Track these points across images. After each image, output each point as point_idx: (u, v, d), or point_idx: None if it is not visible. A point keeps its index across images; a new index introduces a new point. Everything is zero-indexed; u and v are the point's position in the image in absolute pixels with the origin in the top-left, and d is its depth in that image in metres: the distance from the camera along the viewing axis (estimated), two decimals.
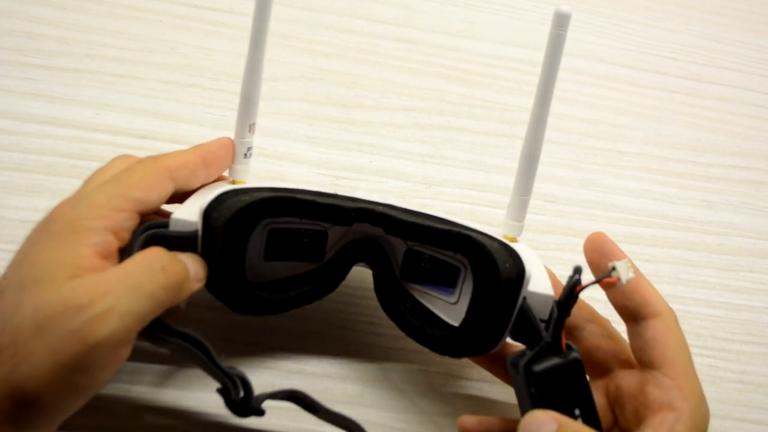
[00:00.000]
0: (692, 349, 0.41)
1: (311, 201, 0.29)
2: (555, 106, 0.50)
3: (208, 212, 0.28)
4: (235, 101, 0.44)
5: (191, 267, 0.27)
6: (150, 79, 0.44)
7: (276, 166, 0.42)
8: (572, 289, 0.27)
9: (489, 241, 0.29)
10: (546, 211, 0.44)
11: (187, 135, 0.42)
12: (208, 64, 0.45)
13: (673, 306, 0.43)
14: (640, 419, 0.28)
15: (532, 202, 0.45)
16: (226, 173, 0.33)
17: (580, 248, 0.44)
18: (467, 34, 0.52)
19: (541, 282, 0.30)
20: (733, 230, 0.47)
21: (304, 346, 0.36)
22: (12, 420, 0.22)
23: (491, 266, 0.28)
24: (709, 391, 0.40)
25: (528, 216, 0.44)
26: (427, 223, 0.30)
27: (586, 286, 0.28)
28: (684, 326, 0.42)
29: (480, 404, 0.36)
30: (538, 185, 0.46)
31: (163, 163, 0.28)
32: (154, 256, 0.25)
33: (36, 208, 0.37)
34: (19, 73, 0.42)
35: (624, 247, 0.44)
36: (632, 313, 0.30)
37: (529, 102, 0.51)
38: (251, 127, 0.32)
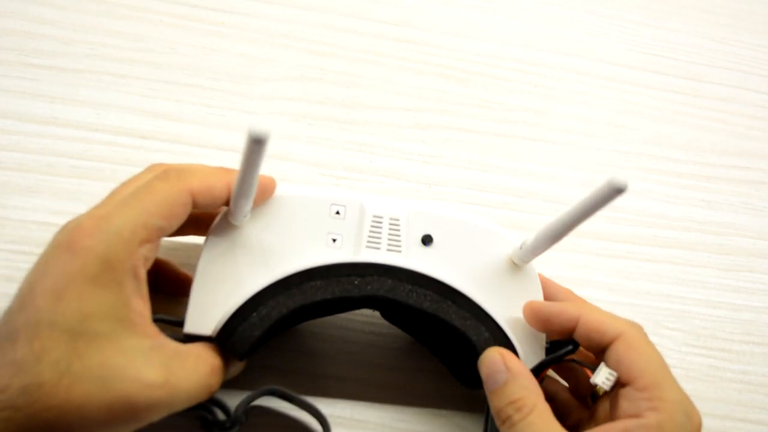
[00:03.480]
0: (692, 349, 0.41)
1: (321, 301, 0.29)
2: (555, 106, 0.50)
3: (222, 342, 0.28)
4: (235, 101, 0.44)
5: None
6: (150, 79, 0.44)
7: (276, 166, 0.42)
8: (541, 368, 0.31)
9: (480, 338, 0.30)
10: (546, 212, 0.44)
11: (187, 135, 0.42)
12: (208, 64, 0.45)
13: (673, 306, 0.43)
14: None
15: (532, 202, 0.45)
16: None
17: (580, 248, 0.44)
18: (467, 34, 0.52)
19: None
20: (733, 230, 0.47)
21: (304, 344, 0.36)
22: None
23: (475, 357, 0.30)
24: (709, 391, 0.40)
25: (528, 216, 0.44)
26: (427, 307, 0.30)
27: (543, 373, 0.31)
28: (684, 326, 0.42)
29: (478, 401, 0.36)
30: (539, 185, 0.46)
31: (188, 184, 0.27)
32: (212, 371, 0.27)
33: (36, 208, 0.37)
34: (19, 73, 0.42)
35: (624, 247, 0.44)
36: (596, 347, 0.30)
37: (529, 102, 0.51)
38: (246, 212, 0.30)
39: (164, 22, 0.46)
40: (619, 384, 0.29)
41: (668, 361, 0.40)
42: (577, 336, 0.30)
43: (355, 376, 0.35)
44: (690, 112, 0.52)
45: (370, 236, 0.30)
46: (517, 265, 0.32)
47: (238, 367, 0.30)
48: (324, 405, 0.34)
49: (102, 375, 0.23)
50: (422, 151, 0.45)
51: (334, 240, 0.30)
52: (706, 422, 0.38)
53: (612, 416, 0.28)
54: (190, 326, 0.28)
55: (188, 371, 0.26)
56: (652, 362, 0.28)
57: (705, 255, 0.45)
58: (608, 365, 0.29)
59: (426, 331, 0.34)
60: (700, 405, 0.39)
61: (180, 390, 0.25)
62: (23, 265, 0.36)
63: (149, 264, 0.26)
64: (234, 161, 0.41)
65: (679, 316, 0.42)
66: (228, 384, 0.30)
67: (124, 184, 0.28)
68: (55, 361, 0.23)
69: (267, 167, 0.41)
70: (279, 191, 0.31)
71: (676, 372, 0.40)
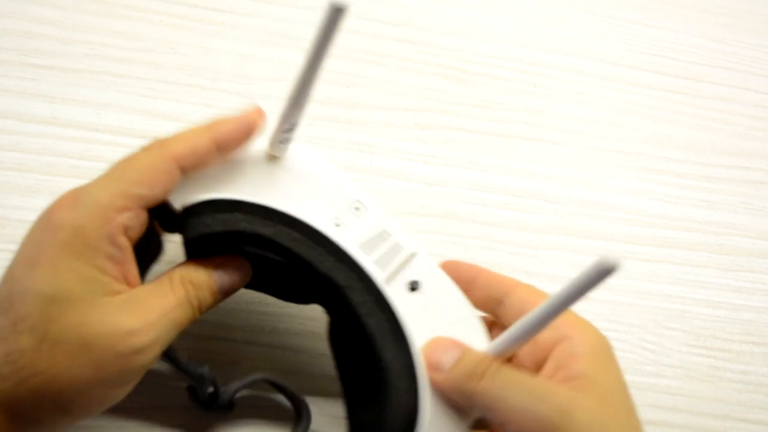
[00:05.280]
0: (692, 349, 0.41)
1: (286, 249, 0.28)
2: (555, 106, 0.50)
3: (182, 219, 0.28)
4: (235, 101, 0.44)
5: (219, 280, 0.28)
6: (150, 79, 0.44)
7: None
8: None
9: (398, 398, 0.27)
10: (546, 211, 0.44)
11: None
12: (208, 64, 0.45)
13: (673, 306, 0.43)
14: (539, 366, 0.28)
15: (532, 202, 0.45)
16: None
17: (580, 248, 0.44)
18: (467, 34, 0.52)
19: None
20: (733, 230, 0.47)
21: (302, 344, 0.36)
22: (33, 420, 0.24)
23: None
24: (709, 391, 0.40)
25: (528, 216, 0.44)
26: (370, 324, 0.28)
27: None
28: (684, 326, 0.42)
29: None
30: (538, 185, 0.46)
31: (169, 150, 0.26)
32: (193, 289, 0.27)
33: (36, 208, 0.37)
34: (19, 73, 0.42)
35: (624, 247, 0.44)
36: (495, 300, 0.30)
37: (529, 102, 0.51)
38: (284, 126, 0.29)
39: (164, 22, 0.46)
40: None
41: (668, 360, 0.40)
42: (476, 288, 0.30)
43: None
44: (690, 112, 0.52)
45: (368, 242, 0.30)
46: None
47: (207, 301, 0.28)
48: (325, 404, 0.34)
49: (80, 334, 0.23)
50: (422, 151, 0.45)
51: (337, 225, 0.30)
52: (707, 422, 0.39)
53: (536, 351, 0.28)
54: (172, 197, 0.28)
55: (159, 310, 0.26)
56: (579, 319, 0.29)
57: (705, 255, 0.45)
58: (508, 313, 0.29)
59: (351, 355, 0.32)
60: (700, 405, 0.39)
61: (158, 329, 0.25)
62: None
63: (134, 232, 0.26)
64: None
65: (679, 316, 0.42)
66: (228, 378, 0.30)
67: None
68: (31, 328, 0.23)
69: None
70: (319, 159, 0.31)
71: (676, 372, 0.40)
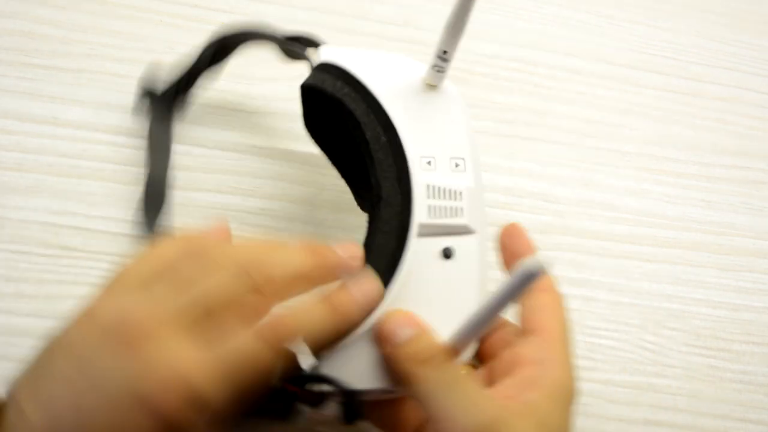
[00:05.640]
0: (692, 349, 0.41)
1: (364, 143, 0.30)
2: (555, 106, 0.50)
3: (318, 67, 0.33)
4: (235, 100, 0.44)
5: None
6: None
7: (276, 166, 0.42)
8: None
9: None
10: (546, 211, 0.44)
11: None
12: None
13: (673, 306, 0.43)
14: (508, 374, 0.28)
15: (532, 202, 0.45)
16: None
17: (580, 248, 0.44)
18: (467, 34, 0.52)
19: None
20: (733, 230, 0.47)
21: None
22: None
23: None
24: (709, 391, 0.40)
25: (528, 216, 0.44)
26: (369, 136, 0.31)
27: None
28: (684, 326, 0.42)
29: None
30: (538, 185, 0.46)
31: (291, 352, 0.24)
32: None
33: (36, 208, 0.37)
34: (19, 73, 0.42)
35: (624, 247, 0.44)
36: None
37: (529, 102, 0.51)
38: (440, 51, 0.32)
39: (164, 22, 0.46)
40: (526, 331, 0.29)
41: (668, 360, 0.40)
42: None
43: None
44: (690, 112, 0.52)
45: (438, 191, 0.30)
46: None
47: None
48: None
49: None
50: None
51: (428, 163, 0.31)
52: (707, 422, 0.39)
53: (516, 356, 0.28)
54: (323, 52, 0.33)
55: None
56: (563, 325, 0.29)
57: (705, 255, 0.45)
58: (525, 308, 0.29)
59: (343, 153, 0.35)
60: (700, 405, 0.39)
61: None
62: (23, 265, 0.36)
63: None
64: (238, 165, 0.41)
65: (679, 316, 0.42)
66: None
67: (210, 287, 0.24)
68: None
69: (267, 167, 0.42)
70: (461, 109, 0.33)
71: (676, 372, 0.40)
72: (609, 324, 0.41)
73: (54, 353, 0.23)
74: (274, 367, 0.23)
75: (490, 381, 0.28)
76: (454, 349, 0.27)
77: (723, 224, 0.47)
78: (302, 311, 0.25)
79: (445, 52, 0.31)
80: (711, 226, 0.46)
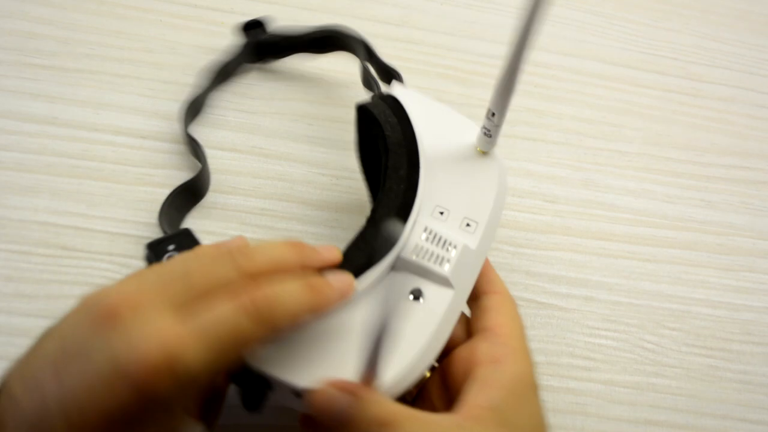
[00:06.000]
0: (692, 349, 0.41)
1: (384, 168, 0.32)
2: (555, 106, 0.50)
3: (380, 96, 0.35)
4: (235, 100, 0.44)
5: None
6: (150, 79, 0.44)
7: (276, 165, 0.42)
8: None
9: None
10: (546, 211, 0.44)
11: None
12: (207, 64, 0.45)
13: (673, 306, 0.43)
14: (466, 376, 0.28)
15: (532, 202, 0.45)
16: None
17: (580, 248, 0.44)
18: (467, 34, 0.52)
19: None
20: (733, 230, 0.47)
21: None
22: None
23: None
24: (709, 391, 0.40)
25: (528, 216, 0.44)
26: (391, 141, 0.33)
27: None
28: (684, 326, 0.42)
29: None
30: (538, 185, 0.46)
31: (272, 326, 0.24)
32: None
33: (36, 208, 0.37)
34: (19, 73, 0.42)
35: (624, 247, 0.44)
36: (476, 291, 0.31)
37: (529, 102, 0.50)
38: (489, 113, 0.31)
39: (164, 22, 0.46)
40: (479, 331, 0.30)
41: (668, 360, 0.40)
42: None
43: None
44: (690, 112, 0.52)
45: (434, 239, 0.30)
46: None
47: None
48: None
49: None
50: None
51: (441, 213, 0.31)
52: (707, 422, 0.38)
53: (471, 355, 0.28)
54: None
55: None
56: (517, 322, 0.30)
57: (705, 255, 0.45)
58: (478, 310, 0.30)
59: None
60: (700, 405, 0.39)
61: None
62: (23, 265, 0.36)
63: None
64: (235, 161, 0.41)
65: (679, 316, 0.42)
66: None
67: (197, 270, 0.25)
68: None
69: (267, 167, 0.42)
70: (502, 184, 0.33)
71: (676, 372, 0.40)
72: (609, 324, 0.41)
73: (44, 339, 0.23)
74: (254, 338, 0.23)
75: (445, 381, 0.29)
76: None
77: (723, 224, 0.47)
78: (282, 287, 0.25)
79: (493, 114, 0.31)
80: (711, 226, 0.46)
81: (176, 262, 0.25)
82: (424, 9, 0.52)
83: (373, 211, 0.30)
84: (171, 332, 0.22)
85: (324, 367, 0.27)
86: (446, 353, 0.30)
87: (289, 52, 0.46)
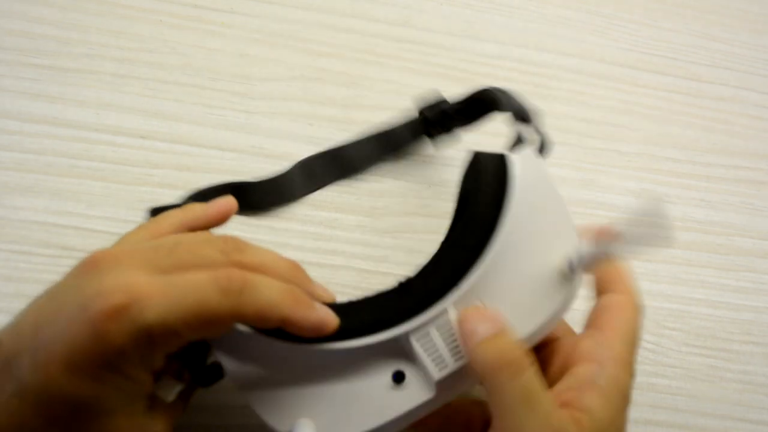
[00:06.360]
0: (692, 349, 0.41)
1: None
2: (555, 106, 0.50)
3: None
4: (235, 101, 0.44)
5: None
6: (150, 79, 0.44)
7: (276, 165, 0.42)
8: None
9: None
10: None
11: (187, 135, 0.42)
12: (208, 64, 0.45)
13: (673, 306, 0.43)
14: (565, 370, 0.28)
15: None
16: None
17: None
18: (467, 34, 0.52)
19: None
20: (733, 230, 0.47)
21: None
22: None
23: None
24: (709, 391, 0.40)
25: None
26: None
27: None
28: (684, 326, 0.42)
29: None
30: None
31: (245, 309, 0.24)
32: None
33: (36, 208, 0.37)
34: (19, 73, 0.42)
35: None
36: (600, 287, 0.31)
37: (529, 102, 0.50)
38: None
39: (164, 22, 0.46)
40: (590, 326, 0.29)
41: (668, 360, 0.40)
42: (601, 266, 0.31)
43: None
44: (690, 112, 0.52)
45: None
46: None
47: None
48: None
49: None
50: (423, 151, 0.45)
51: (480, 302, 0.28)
52: (707, 422, 0.39)
53: (572, 353, 0.28)
54: None
55: (177, 411, 0.27)
56: (630, 328, 0.29)
57: (705, 255, 0.45)
58: (595, 307, 0.30)
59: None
60: (700, 405, 0.39)
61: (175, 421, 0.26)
62: (23, 265, 0.36)
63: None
64: (233, 161, 0.41)
65: (679, 316, 0.42)
66: None
67: (186, 245, 0.25)
68: (64, 428, 0.23)
69: (267, 167, 0.42)
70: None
71: (675, 372, 0.40)
72: None
73: (39, 295, 0.25)
74: (217, 311, 0.23)
75: (544, 369, 0.29)
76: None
77: (723, 224, 0.47)
78: (263, 279, 0.25)
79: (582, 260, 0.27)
80: (711, 226, 0.46)
81: (170, 236, 0.26)
82: (424, 9, 0.52)
83: (412, 279, 0.28)
84: (137, 282, 0.22)
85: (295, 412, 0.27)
86: (547, 343, 0.30)
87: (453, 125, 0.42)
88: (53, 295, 0.24)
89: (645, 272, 0.43)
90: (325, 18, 0.50)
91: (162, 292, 0.23)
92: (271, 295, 0.24)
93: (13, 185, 0.38)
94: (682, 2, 0.59)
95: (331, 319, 0.26)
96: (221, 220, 0.30)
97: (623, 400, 0.27)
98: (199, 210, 0.29)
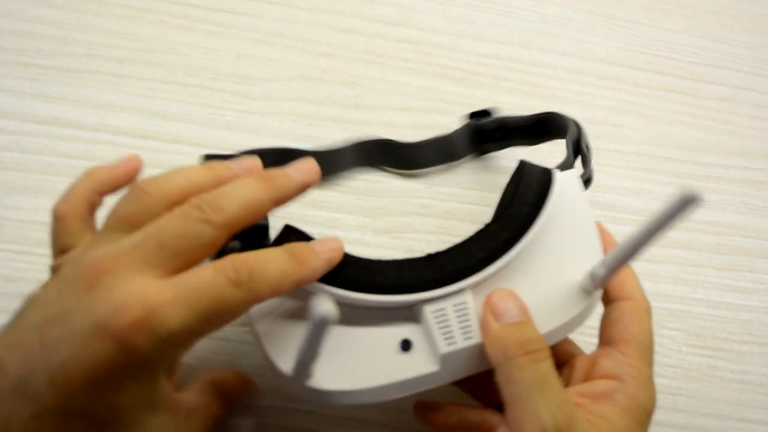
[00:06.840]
0: (692, 349, 0.41)
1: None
2: (555, 106, 0.50)
3: None
4: (235, 101, 0.44)
5: None
6: (150, 79, 0.44)
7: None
8: None
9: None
10: None
11: (187, 135, 0.42)
12: (208, 64, 0.45)
13: (673, 306, 0.43)
14: (583, 381, 0.28)
15: None
16: None
17: None
18: (467, 34, 0.52)
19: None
20: (733, 230, 0.47)
21: None
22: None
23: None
24: (709, 391, 0.40)
25: None
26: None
27: None
28: (684, 326, 0.42)
29: None
30: None
31: (255, 296, 0.24)
32: (210, 416, 0.28)
33: (36, 208, 0.37)
34: (19, 73, 0.42)
35: None
36: (608, 295, 0.30)
37: (529, 102, 0.50)
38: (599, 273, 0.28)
39: (164, 22, 0.46)
40: (605, 342, 0.29)
41: (668, 360, 0.40)
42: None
43: None
44: (690, 112, 0.52)
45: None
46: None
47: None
48: (326, 405, 0.34)
49: None
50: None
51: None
52: (707, 422, 0.39)
53: (591, 371, 0.28)
54: None
55: (198, 426, 0.26)
56: (646, 337, 0.29)
57: (705, 255, 0.45)
58: (606, 319, 0.30)
59: None
60: (700, 405, 0.39)
61: None
62: (23, 265, 0.36)
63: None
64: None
65: (679, 316, 0.42)
66: None
67: (168, 231, 0.24)
68: None
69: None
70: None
71: (675, 372, 0.40)
72: None
73: (26, 309, 0.24)
74: (238, 304, 0.23)
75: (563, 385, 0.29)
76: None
77: (723, 224, 0.47)
78: (265, 254, 0.25)
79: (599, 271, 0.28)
80: (711, 226, 0.46)
81: (147, 227, 0.25)
82: (424, 9, 0.52)
83: (440, 252, 0.29)
84: (148, 290, 0.22)
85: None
86: (565, 361, 0.30)
87: (507, 139, 0.43)
88: (53, 315, 0.23)
89: (645, 272, 0.43)
90: (325, 18, 0.50)
91: (176, 296, 0.22)
92: (278, 267, 0.25)
93: (13, 185, 0.38)
94: (682, 2, 0.59)
95: (337, 247, 0.28)
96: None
97: (643, 417, 0.27)
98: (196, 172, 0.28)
